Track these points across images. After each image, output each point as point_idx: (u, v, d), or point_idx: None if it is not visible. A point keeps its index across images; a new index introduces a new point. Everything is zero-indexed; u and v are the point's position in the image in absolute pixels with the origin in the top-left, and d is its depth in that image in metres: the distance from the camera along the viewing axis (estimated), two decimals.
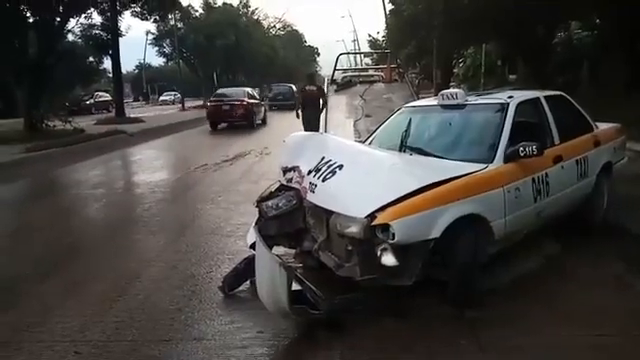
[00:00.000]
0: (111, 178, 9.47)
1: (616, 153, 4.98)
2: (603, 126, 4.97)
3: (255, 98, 19.10)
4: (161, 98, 47.58)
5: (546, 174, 3.79)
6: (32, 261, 4.57)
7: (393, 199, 3.01)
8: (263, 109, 19.77)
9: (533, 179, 3.68)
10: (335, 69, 14.03)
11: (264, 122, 19.47)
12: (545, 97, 4.39)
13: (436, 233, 3.00)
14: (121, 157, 12.32)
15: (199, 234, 5.27)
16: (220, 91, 20.05)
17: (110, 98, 30.25)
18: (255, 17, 50.40)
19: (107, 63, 23.72)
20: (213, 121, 17.83)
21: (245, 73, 48.38)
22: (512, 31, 13.80)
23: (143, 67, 51.75)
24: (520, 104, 4.00)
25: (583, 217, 4.52)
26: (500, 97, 4.16)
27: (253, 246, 3.52)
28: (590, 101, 6.93)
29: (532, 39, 14.52)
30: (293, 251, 3.88)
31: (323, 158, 3.67)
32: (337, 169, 3.48)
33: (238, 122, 17.55)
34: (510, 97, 4.06)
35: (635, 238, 4.44)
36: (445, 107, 4.33)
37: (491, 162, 3.53)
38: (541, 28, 14.32)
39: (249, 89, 20.00)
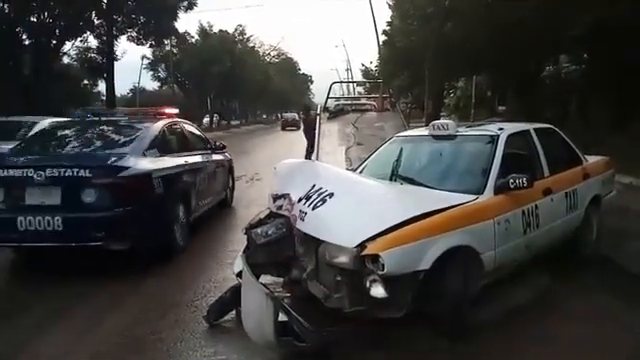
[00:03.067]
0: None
1: (605, 186, 5.03)
2: (592, 159, 5.03)
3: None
4: None
5: (536, 206, 3.80)
6: (21, 287, 4.44)
7: (383, 229, 2.98)
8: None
9: (523, 211, 3.68)
10: (328, 97, 14.19)
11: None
12: (535, 129, 4.44)
13: (426, 264, 2.96)
14: None
15: (185, 260, 5.16)
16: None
17: None
18: (250, 44, 51.22)
19: (101, 86, 23.83)
20: None
21: (239, 98, 48.82)
22: (502, 64, 14.09)
23: (137, 91, 52.02)
24: (510, 136, 4.04)
25: (573, 249, 4.52)
26: (490, 129, 4.20)
27: (240, 274, 3.45)
28: (578, 134, 7.03)
29: (521, 72, 14.85)
30: (281, 280, 3.81)
31: (314, 186, 3.65)
32: (327, 197, 3.46)
33: None
34: (500, 129, 4.10)
35: (624, 271, 4.45)
36: (436, 137, 4.35)
37: (481, 193, 3.53)
38: (530, 62, 14.65)
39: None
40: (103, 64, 21.56)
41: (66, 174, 4.44)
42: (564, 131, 5.01)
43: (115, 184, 4.48)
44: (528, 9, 9.89)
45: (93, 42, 21.31)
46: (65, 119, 7.23)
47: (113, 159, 4.72)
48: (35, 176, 4.40)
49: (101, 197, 4.45)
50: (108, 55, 21.32)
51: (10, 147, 5.42)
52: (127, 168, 4.60)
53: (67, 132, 5.69)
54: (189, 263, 5.06)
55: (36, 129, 7.27)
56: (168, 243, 5.09)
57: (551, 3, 9.55)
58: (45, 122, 7.69)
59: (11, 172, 4.57)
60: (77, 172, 4.43)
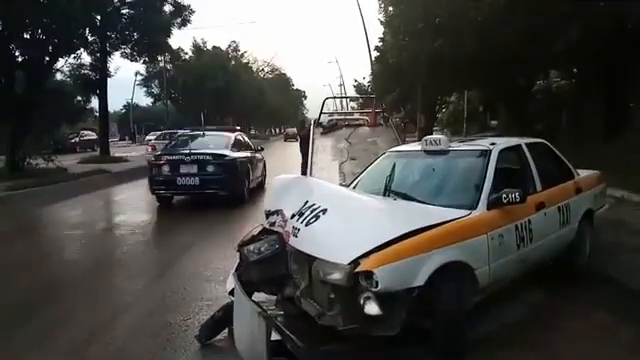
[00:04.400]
0: (91, 218, 9.26)
1: (597, 200, 5.05)
2: (584, 173, 5.05)
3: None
4: (148, 138, 41.11)
5: (529, 221, 3.79)
6: (4, 306, 4.36)
7: (377, 245, 2.95)
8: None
9: (516, 226, 3.68)
10: (321, 112, 14.24)
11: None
12: (527, 144, 4.46)
13: (420, 281, 2.93)
14: (103, 197, 12.12)
15: (178, 278, 5.11)
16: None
17: (95, 137, 30.13)
18: (244, 60, 51.56)
19: (94, 102, 23.77)
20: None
21: (233, 114, 48.91)
22: (493, 79, 14.23)
23: (131, 107, 51.98)
24: (502, 151, 4.05)
25: (567, 264, 4.52)
26: (482, 144, 4.20)
27: (233, 293, 3.41)
28: (569, 148, 7.09)
29: (513, 87, 14.99)
30: (274, 298, 3.76)
31: (307, 202, 3.63)
32: (321, 213, 3.44)
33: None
34: (492, 144, 4.11)
35: (617, 285, 4.44)
36: (429, 153, 4.36)
37: (474, 208, 3.52)
38: (520, 77, 14.81)
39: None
40: (96, 80, 21.49)
41: (199, 157, 9.35)
42: (555, 145, 5.04)
43: (221, 163, 9.36)
44: (515, 27, 10.02)
45: (86, 58, 21.25)
46: (185, 131, 12.41)
47: (219, 151, 9.61)
48: (185, 158, 9.40)
49: (215, 169, 9.29)
50: (101, 71, 21.28)
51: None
52: (226, 156, 9.56)
53: (190, 137, 11.03)
54: (180, 281, 4.99)
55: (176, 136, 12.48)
56: (242, 194, 9.79)
57: (536, 20, 9.69)
58: (179, 132, 13.23)
59: (173, 157, 9.61)
60: (204, 157, 9.36)
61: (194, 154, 9.41)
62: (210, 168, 9.27)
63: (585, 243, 4.76)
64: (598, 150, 9.99)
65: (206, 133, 11.04)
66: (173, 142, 11.32)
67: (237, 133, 11.24)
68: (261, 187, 11.32)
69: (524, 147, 4.38)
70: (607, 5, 9.28)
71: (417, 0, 13.12)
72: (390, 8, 17.06)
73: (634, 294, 4.20)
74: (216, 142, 10.21)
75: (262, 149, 12.18)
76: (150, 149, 12.80)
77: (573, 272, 4.57)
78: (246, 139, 11.80)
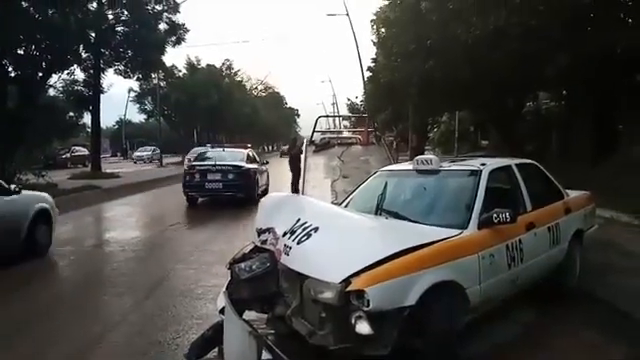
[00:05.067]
0: (81, 235, 9.16)
1: (586, 220, 5.10)
2: (573, 194, 5.12)
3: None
4: (136, 154, 39.56)
5: (519, 241, 3.82)
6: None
7: (368, 264, 2.96)
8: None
9: (507, 246, 3.70)
10: (314, 131, 14.37)
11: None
12: (517, 165, 4.52)
13: (412, 300, 2.93)
14: (93, 213, 12.01)
15: (168, 296, 5.07)
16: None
17: (87, 153, 29.99)
18: (238, 78, 51.88)
19: (87, 118, 23.70)
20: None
21: (226, 132, 49.02)
22: (483, 101, 14.43)
23: (123, 123, 51.95)
24: (493, 171, 4.10)
25: (557, 284, 4.54)
26: (473, 164, 4.26)
27: (223, 311, 3.38)
28: (558, 168, 7.17)
29: (503, 108, 15.19)
30: (265, 316, 3.73)
31: (299, 220, 3.64)
32: (312, 232, 3.44)
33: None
34: (483, 164, 4.16)
35: (607, 305, 4.46)
36: (420, 172, 4.40)
37: (465, 228, 3.55)
38: (510, 99, 15.04)
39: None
40: (89, 96, 21.48)
41: (222, 168, 12.02)
42: (545, 165, 5.11)
43: (238, 172, 12.07)
44: (505, 51, 10.22)
45: (80, 75, 21.28)
46: (207, 148, 15.63)
47: (236, 163, 12.34)
48: (211, 168, 12.07)
49: (234, 177, 11.97)
50: (95, 88, 21.30)
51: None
52: (242, 167, 12.32)
53: (213, 153, 13.74)
54: (170, 299, 4.94)
55: (200, 151, 16.30)
56: (253, 197, 11.63)
57: (527, 44, 9.90)
58: (201, 149, 16.73)
59: (202, 167, 12.24)
60: (226, 167, 12.05)
61: (218, 165, 12.23)
62: (230, 176, 12.07)
63: (575, 263, 4.79)
64: (587, 171, 10.13)
65: (225, 149, 14.25)
66: (201, 156, 14.20)
67: (248, 150, 14.33)
68: (265, 193, 12.46)
69: (514, 167, 4.44)
70: (594, 32, 9.50)
71: (409, 23, 13.35)
72: (382, 29, 17.33)
73: (623, 314, 4.22)
74: (233, 156, 13.09)
75: (267, 162, 15.18)
76: (186, 161, 15.86)
77: (563, 292, 4.59)
78: (255, 154, 14.64)
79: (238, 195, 11.90)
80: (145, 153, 39.30)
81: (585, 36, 9.56)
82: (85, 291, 5.45)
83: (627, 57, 9.88)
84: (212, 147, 14.98)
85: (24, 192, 6.85)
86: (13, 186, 6.83)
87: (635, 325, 4.00)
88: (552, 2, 9.35)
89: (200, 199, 12.66)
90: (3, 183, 6.58)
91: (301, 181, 11.97)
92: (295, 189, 12.60)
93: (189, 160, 15.30)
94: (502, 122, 15.75)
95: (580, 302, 4.54)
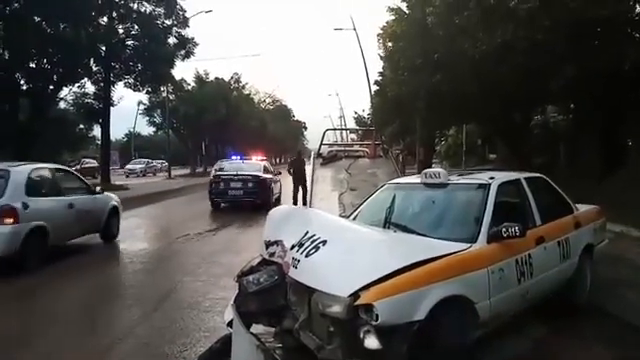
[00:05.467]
0: (89, 246, 9.19)
1: (597, 235, 5.05)
2: (583, 208, 5.07)
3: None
4: (128, 167, 38.24)
5: (529, 255, 3.79)
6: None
7: (377, 278, 2.94)
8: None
9: (517, 260, 3.67)
10: (322, 143, 14.41)
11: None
12: (526, 178, 4.50)
13: (421, 314, 2.91)
14: None
15: (176, 308, 5.06)
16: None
17: (96, 165, 30.24)
18: (246, 92, 52.25)
19: (97, 130, 23.97)
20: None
21: (234, 145, 49.25)
22: (491, 114, 14.45)
23: (132, 135, 52.41)
24: (502, 185, 4.08)
25: (567, 299, 4.49)
26: (482, 177, 4.24)
27: (231, 324, 3.37)
28: (567, 182, 7.14)
29: (510, 122, 15.20)
30: (273, 330, 3.72)
31: (307, 233, 3.63)
32: (321, 244, 3.43)
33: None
34: (492, 178, 4.14)
35: (617, 320, 4.42)
36: (428, 185, 4.39)
37: (474, 242, 3.52)
38: (517, 112, 15.04)
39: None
40: (99, 109, 21.75)
41: (242, 177, 14.02)
42: (553, 179, 5.08)
43: (256, 181, 14.00)
44: (512, 65, 10.25)
45: (90, 88, 21.59)
46: (227, 160, 17.66)
47: (254, 173, 14.29)
48: (233, 177, 14.02)
49: (253, 185, 13.89)
50: (105, 101, 21.59)
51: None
52: (259, 176, 14.25)
53: (233, 164, 15.83)
54: (178, 312, 4.94)
55: (221, 164, 16.74)
56: (269, 203, 12.97)
57: (534, 58, 9.92)
58: (221, 162, 17.33)
59: (226, 177, 14.17)
60: (246, 177, 14.04)
61: (239, 175, 14.12)
62: (250, 185, 13.90)
63: (585, 278, 4.74)
64: (595, 185, 10.07)
65: (244, 161, 16.44)
66: (223, 167, 15.83)
67: (264, 162, 16.58)
68: (278, 200, 14.98)
69: (523, 181, 4.42)
70: (602, 47, 9.51)
71: (415, 37, 13.45)
72: (389, 44, 17.46)
73: (634, 329, 4.16)
74: (252, 167, 15.11)
75: (280, 173, 16.69)
76: (213, 171, 16.37)
77: (573, 307, 4.54)
78: (269, 166, 16.62)
79: (257, 201, 13.51)
80: (138, 166, 38.74)
81: (591, 51, 9.56)
82: (93, 303, 5.45)
83: (635, 72, 9.86)
84: (238, 158, 17.11)
85: (105, 193, 9.20)
86: (98, 188, 9.26)
87: None
88: (557, 16, 9.39)
89: (222, 204, 14.35)
90: (91, 186, 8.88)
91: (309, 194, 11.97)
92: (295, 198, 12.94)
93: (215, 170, 16.06)
94: (510, 135, 15.74)
95: (591, 317, 4.49)
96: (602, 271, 5.20)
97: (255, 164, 15.67)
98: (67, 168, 9.98)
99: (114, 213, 9.13)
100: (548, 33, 9.53)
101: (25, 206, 6.51)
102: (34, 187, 6.90)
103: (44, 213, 6.86)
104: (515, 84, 11.09)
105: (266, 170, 15.16)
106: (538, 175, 5.03)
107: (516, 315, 3.82)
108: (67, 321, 4.81)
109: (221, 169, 15.43)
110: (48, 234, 6.90)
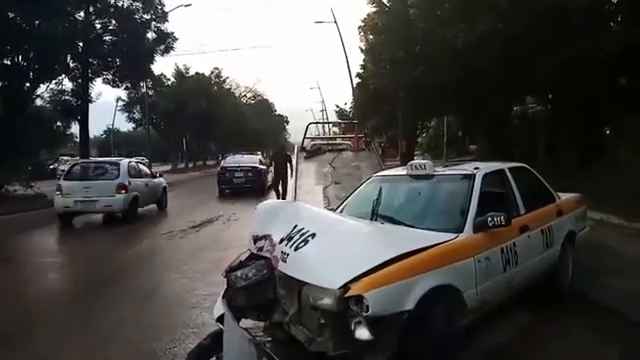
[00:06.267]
0: (71, 246, 9.06)
1: (578, 222, 5.17)
2: (564, 196, 5.17)
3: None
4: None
5: (514, 243, 3.86)
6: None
7: (367, 269, 2.96)
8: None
9: (502, 249, 3.73)
10: (305, 137, 14.40)
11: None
12: (509, 168, 4.57)
13: (410, 304, 2.94)
14: (83, 224, 11.87)
15: (162, 306, 5.03)
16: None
17: None
18: (227, 86, 51.74)
19: (75, 128, 23.49)
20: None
21: (215, 140, 48.85)
22: (471, 105, 14.57)
23: (112, 132, 51.50)
24: (486, 175, 4.13)
25: (551, 286, 4.58)
26: (467, 168, 4.29)
27: (220, 319, 3.36)
28: (547, 171, 7.26)
29: (490, 113, 15.35)
30: (262, 324, 3.71)
31: (295, 226, 3.62)
32: (310, 238, 3.43)
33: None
34: (476, 168, 4.19)
35: (601, 307, 4.51)
36: (414, 177, 4.42)
37: (461, 232, 3.57)
38: (497, 103, 15.20)
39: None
40: (77, 106, 21.28)
41: (244, 168, 17.61)
42: (534, 168, 5.16)
43: (255, 171, 17.53)
44: (494, 56, 10.34)
45: (68, 84, 21.10)
46: (234, 156, 20.26)
47: (253, 164, 17.97)
48: (237, 168, 17.65)
49: (252, 174, 17.36)
50: (83, 97, 21.10)
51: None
52: (257, 167, 17.84)
53: (234, 157, 19.66)
54: (165, 309, 4.90)
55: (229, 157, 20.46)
56: (264, 188, 16.90)
57: (516, 49, 10.03)
58: (230, 156, 20.85)
59: (231, 168, 17.77)
60: (247, 167, 17.66)
61: (241, 166, 17.59)
62: (250, 174, 17.17)
63: (568, 265, 4.85)
64: (575, 174, 10.24)
65: (244, 155, 19.78)
66: (228, 159, 19.59)
67: (258, 156, 20.87)
68: (269, 189, 16.42)
69: (507, 171, 4.49)
70: (579, 36, 9.67)
71: (397, 29, 13.47)
72: (371, 36, 17.46)
73: (616, 314, 4.27)
74: (250, 160, 18.54)
75: (270, 164, 18.09)
76: (221, 164, 20.05)
77: (558, 294, 4.63)
78: (262, 159, 20.56)
79: (255, 187, 16.68)
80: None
81: (569, 41, 9.71)
82: (76, 303, 5.38)
83: (612, 62, 10.05)
84: (234, 154, 21.20)
85: (159, 178, 13.79)
86: (157, 174, 14.29)
87: (626, 323, 4.06)
88: (537, 7, 9.49)
89: (227, 190, 17.38)
90: (154, 172, 14.17)
91: (290, 190, 11.96)
92: (276, 188, 13.12)
93: (222, 164, 20.00)
94: (490, 126, 15.91)
95: (574, 304, 4.59)
96: (585, 258, 5.31)
97: (252, 157, 19.25)
98: (142, 161, 17.56)
99: (165, 192, 13.76)
100: (528, 24, 9.64)
101: (130, 183, 11.20)
102: (130, 172, 11.61)
103: (136, 188, 11.58)
104: (495, 75, 11.20)
105: (261, 162, 18.74)
106: (521, 165, 5.09)
107: (502, 303, 3.89)
108: (48, 323, 4.72)
109: (227, 162, 19.23)
110: (139, 201, 11.61)
